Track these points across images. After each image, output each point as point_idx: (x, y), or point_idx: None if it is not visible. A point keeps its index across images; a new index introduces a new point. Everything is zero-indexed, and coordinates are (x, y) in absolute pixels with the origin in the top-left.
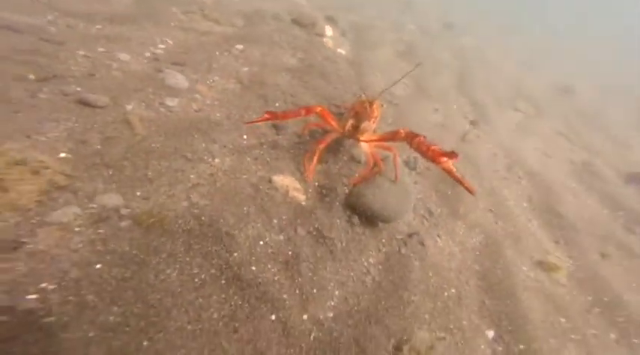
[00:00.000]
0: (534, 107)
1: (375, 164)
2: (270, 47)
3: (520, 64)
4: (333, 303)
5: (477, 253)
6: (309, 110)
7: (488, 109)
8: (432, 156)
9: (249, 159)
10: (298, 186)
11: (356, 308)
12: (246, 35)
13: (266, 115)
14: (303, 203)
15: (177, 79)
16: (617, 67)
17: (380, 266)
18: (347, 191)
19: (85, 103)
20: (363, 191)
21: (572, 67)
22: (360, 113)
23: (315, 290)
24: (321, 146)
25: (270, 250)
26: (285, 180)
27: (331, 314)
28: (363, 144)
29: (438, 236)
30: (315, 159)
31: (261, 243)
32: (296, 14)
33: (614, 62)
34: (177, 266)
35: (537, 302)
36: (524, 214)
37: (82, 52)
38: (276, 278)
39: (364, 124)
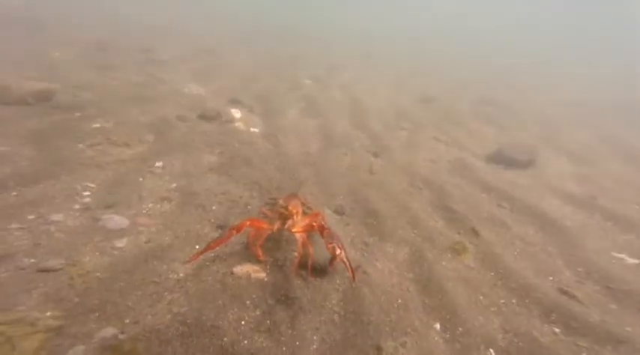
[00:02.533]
0: (410, 122)
1: (304, 248)
2: (187, 153)
3: (392, 88)
4: (315, 346)
5: (408, 263)
6: (238, 228)
7: (383, 137)
8: (329, 250)
9: (207, 263)
10: (257, 267)
11: (333, 343)
12: (161, 149)
13: (203, 250)
14: (266, 279)
15: (116, 220)
16: (459, 73)
17: (341, 303)
18: (297, 256)
19: (44, 270)
20: (306, 253)
21: (427, 81)
22: (282, 215)
23: (297, 342)
24: (260, 243)
25: (251, 325)
26: (244, 268)
27: None
28: (296, 234)
29: (376, 260)
30: (259, 251)
31: (243, 322)
32: (200, 109)
33: (458, 69)
34: None
35: (460, 288)
36: (431, 218)
37: (15, 226)
38: (264, 345)
39: (289, 223)
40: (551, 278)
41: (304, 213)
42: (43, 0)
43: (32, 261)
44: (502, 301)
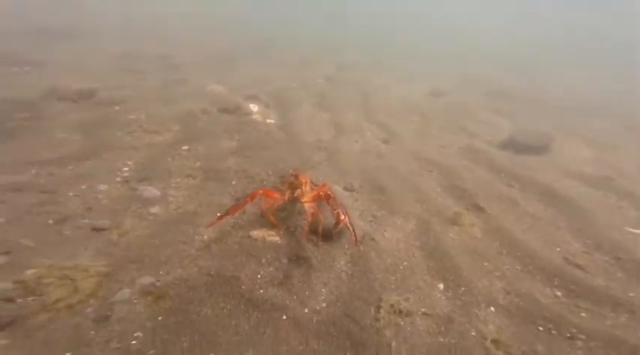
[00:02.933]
0: (421, 114)
1: (314, 217)
2: (210, 139)
3: (403, 84)
4: (323, 297)
5: (415, 233)
6: (252, 196)
7: (393, 127)
8: (334, 215)
9: (228, 228)
10: (272, 232)
11: (339, 295)
12: (186, 136)
13: (222, 215)
14: (279, 241)
15: (150, 191)
16: (467, 68)
17: (349, 264)
18: (306, 223)
19: (96, 229)
20: (316, 220)
21: (435, 78)
22: (292, 185)
23: (307, 293)
24: (271, 211)
25: (266, 279)
26: (260, 233)
27: (324, 304)
28: (305, 204)
29: (385, 231)
30: (271, 217)
31: (259, 276)
32: (220, 103)
33: (465, 66)
34: (209, 305)
35: (465, 255)
36: (439, 196)
37: (72, 194)
38: (277, 294)
39: (298, 192)
40: (558, 249)
41: (313, 186)
42: (72, 15)
43: (86, 221)
44: (506, 267)
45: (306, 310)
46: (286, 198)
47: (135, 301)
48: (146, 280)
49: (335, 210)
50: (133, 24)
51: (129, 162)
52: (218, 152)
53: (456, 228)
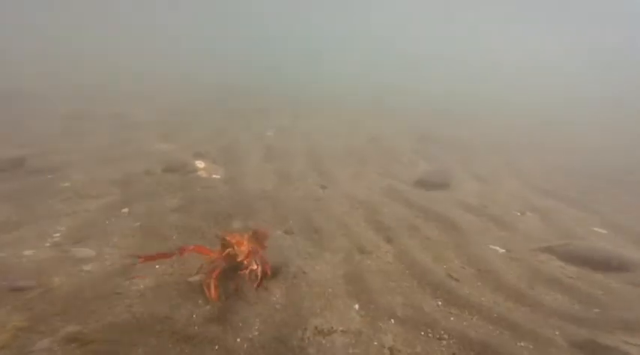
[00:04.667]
0: (358, 159)
1: (252, 272)
2: (151, 199)
3: (347, 131)
4: (256, 327)
5: (340, 264)
6: (182, 250)
7: (333, 173)
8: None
9: (166, 276)
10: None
11: (272, 323)
12: (126, 199)
13: (150, 257)
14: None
15: (84, 252)
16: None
17: (284, 296)
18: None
19: (16, 289)
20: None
21: (377, 123)
22: (224, 247)
23: (240, 325)
24: (214, 276)
25: (202, 317)
26: (197, 277)
27: (256, 332)
28: (244, 262)
29: (316, 265)
30: (213, 286)
31: (194, 315)
32: (165, 163)
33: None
34: (140, 344)
35: (377, 278)
36: (362, 229)
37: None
38: (211, 329)
39: (227, 251)
40: (444, 266)
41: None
42: (20, 73)
43: (4, 283)
44: (406, 284)
45: (238, 339)
46: (217, 255)
47: (56, 349)
48: (71, 328)
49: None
50: (86, 82)
51: (60, 228)
52: (160, 210)
53: (374, 255)
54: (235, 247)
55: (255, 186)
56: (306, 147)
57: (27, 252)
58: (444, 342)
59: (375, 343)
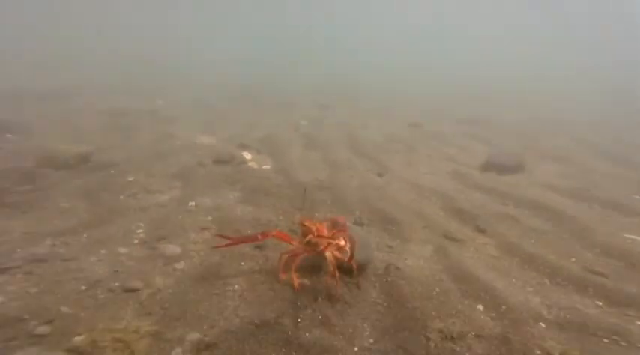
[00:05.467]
0: (404, 145)
1: (333, 273)
2: (213, 191)
3: (381, 118)
4: (367, 332)
5: (435, 258)
6: (265, 235)
7: (382, 160)
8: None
9: (256, 275)
10: (299, 273)
11: (384, 328)
12: (189, 192)
13: (229, 241)
14: (308, 282)
15: (171, 248)
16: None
17: (382, 295)
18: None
19: (129, 290)
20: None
21: (410, 109)
22: (304, 232)
23: (351, 330)
24: (294, 267)
25: (307, 321)
26: (288, 275)
27: (371, 340)
28: (327, 253)
29: (405, 259)
30: (294, 276)
31: (299, 319)
32: (214, 155)
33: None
34: None
35: (490, 273)
36: (444, 220)
37: (94, 258)
38: (323, 335)
39: (307, 238)
40: (573, 259)
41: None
42: (60, 74)
43: (117, 284)
44: (535, 281)
45: (355, 348)
46: (300, 243)
47: None
48: (194, 336)
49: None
50: (121, 81)
51: (141, 224)
52: (225, 203)
53: (471, 248)
54: (316, 234)
55: (309, 176)
56: (345, 136)
57: (122, 250)
58: (619, 346)
59: (538, 352)
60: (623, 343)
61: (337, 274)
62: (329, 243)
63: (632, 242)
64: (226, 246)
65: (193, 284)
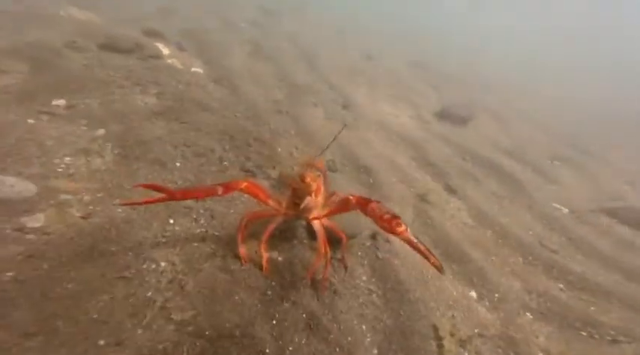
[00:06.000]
0: (368, 81)
1: (325, 251)
2: (106, 91)
3: (335, 42)
4: (369, 339)
5: (419, 225)
6: (228, 187)
7: (346, 91)
8: (388, 227)
9: (195, 243)
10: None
11: (388, 332)
12: (51, 83)
13: (163, 196)
14: (280, 258)
15: (13, 184)
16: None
17: (373, 279)
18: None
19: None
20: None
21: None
22: (297, 190)
23: (349, 338)
24: (265, 238)
25: (285, 324)
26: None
27: (375, 351)
28: (315, 222)
29: None
30: (263, 249)
31: (274, 321)
32: (100, 38)
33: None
34: None
35: (475, 250)
36: (417, 173)
37: None
38: (318, 348)
39: (306, 202)
40: (531, 232)
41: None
42: None
43: None
44: (512, 260)
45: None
46: (287, 211)
47: None
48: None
49: (382, 218)
50: None
51: None
52: (131, 111)
53: (448, 214)
54: (308, 198)
55: (260, 93)
56: (298, 51)
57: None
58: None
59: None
60: (596, 336)
61: (329, 253)
62: (329, 211)
63: (560, 213)
64: (154, 201)
65: (72, 261)
